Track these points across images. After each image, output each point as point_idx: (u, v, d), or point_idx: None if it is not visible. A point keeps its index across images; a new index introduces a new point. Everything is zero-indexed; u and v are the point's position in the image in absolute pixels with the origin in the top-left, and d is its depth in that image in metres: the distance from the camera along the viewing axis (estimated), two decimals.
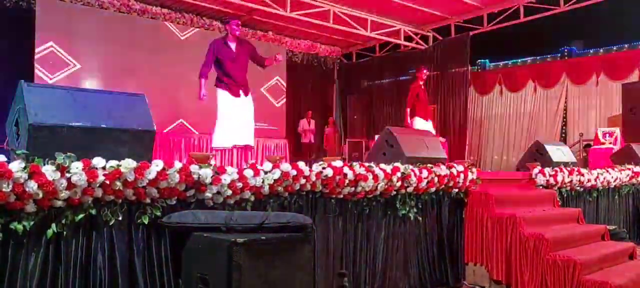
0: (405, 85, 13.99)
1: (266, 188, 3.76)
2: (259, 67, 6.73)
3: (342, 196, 4.32)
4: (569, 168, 6.71)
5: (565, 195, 6.61)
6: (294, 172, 3.90)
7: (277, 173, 3.80)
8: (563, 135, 12.70)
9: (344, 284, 3.80)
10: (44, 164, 2.80)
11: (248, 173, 3.64)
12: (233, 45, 6.34)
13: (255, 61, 6.59)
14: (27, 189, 2.69)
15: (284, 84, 13.76)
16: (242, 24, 12.77)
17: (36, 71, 9.69)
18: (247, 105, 6.40)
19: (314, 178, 4.04)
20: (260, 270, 2.98)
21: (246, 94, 6.38)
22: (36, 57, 9.75)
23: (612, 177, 7.22)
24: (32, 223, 2.78)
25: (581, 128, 12.31)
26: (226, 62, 6.24)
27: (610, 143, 10.35)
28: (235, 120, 6.25)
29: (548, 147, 7.08)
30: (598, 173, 7.04)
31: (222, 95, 6.29)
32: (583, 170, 6.92)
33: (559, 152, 7.23)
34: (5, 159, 2.70)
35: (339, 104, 15.80)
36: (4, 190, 2.62)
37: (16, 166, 2.68)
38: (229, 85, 6.26)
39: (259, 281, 2.97)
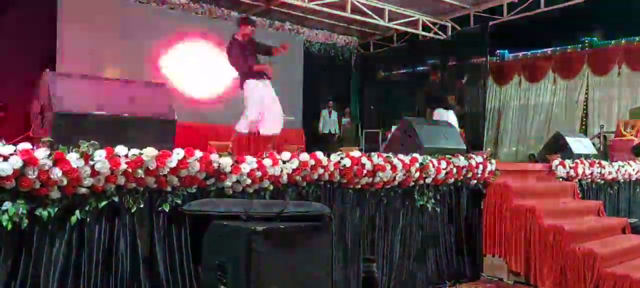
0: (423, 75, 13.91)
1: (285, 178, 3.78)
2: (269, 57, 6.68)
3: (360, 186, 4.33)
4: (589, 160, 6.63)
5: (585, 187, 6.54)
6: (312, 162, 3.91)
7: (295, 163, 3.82)
8: (583, 126, 12.51)
9: (372, 269, 3.81)
10: (69, 152, 2.85)
11: (267, 162, 3.67)
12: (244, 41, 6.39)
13: (261, 51, 6.57)
14: (52, 176, 2.74)
15: (301, 74, 13.75)
16: (259, 15, 12.84)
17: (58, 60, 9.79)
18: (270, 89, 6.41)
19: (332, 168, 4.05)
20: (278, 258, 3.01)
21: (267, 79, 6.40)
22: (58, 45, 9.86)
23: (633, 170, 7.12)
24: (56, 209, 2.84)
25: (602, 119, 12.13)
26: (248, 56, 6.27)
27: (631, 135, 10.19)
28: (264, 104, 6.22)
29: (569, 139, 7.00)
30: (619, 166, 6.95)
31: (249, 83, 6.24)
32: (604, 162, 6.84)
33: (579, 144, 7.15)
34: (31, 147, 2.76)
35: (356, 95, 15.75)
36: (29, 176, 2.68)
37: (41, 153, 2.74)
38: (252, 73, 6.25)
39: (277, 269, 3.00)
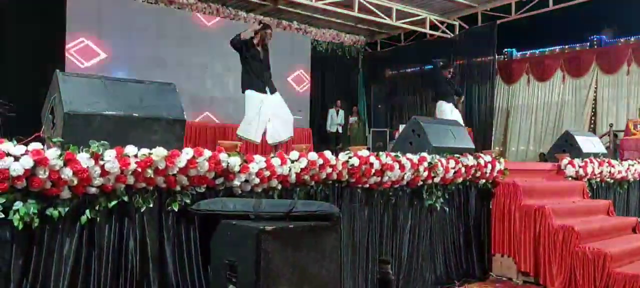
0: (430, 74, 13.88)
1: (293, 177, 3.78)
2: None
3: (368, 185, 4.32)
4: (598, 160, 6.59)
5: (595, 187, 6.50)
6: (321, 161, 3.91)
7: (303, 162, 3.82)
8: (592, 125, 12.44)
9: (387, 271, 3.80)
10: (79, 152, 2.86)
11: (275, 161, 3.67)
12: (259, 48, 6.43)
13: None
14: (62, 176, 2.76)
15: (308, 73, 13.76)
16: (267, 14, 12.87)
17: (67, 60, 9.86)
18: (277, 100, 6.45)
19: (340, 167, 4.04)
20: (287, 257, 3.01)
21: (272, 93, 6.43)
22: (67, 46, 9.93)
23: None
24: (67, 209, 2.85)
25: (611, 118, 12.06)
26: (253, 61, 6.32)
27: None
28: (266, 116, 6.28)
29: (578, 138, 6.96)
30: (629, 165, 6.91)
31: (250, 94, 6.31)
32: (613, 161, 6.80)
33: (588, 143, 7.11)
34: (42, 147, 2.78)
35: (363, 94, 15.74)
36: (40, 176, 2.69)
37: (52, 154, 2.75)
38: (256, 83, 6.30)
39: (286, 268, 3.01)
